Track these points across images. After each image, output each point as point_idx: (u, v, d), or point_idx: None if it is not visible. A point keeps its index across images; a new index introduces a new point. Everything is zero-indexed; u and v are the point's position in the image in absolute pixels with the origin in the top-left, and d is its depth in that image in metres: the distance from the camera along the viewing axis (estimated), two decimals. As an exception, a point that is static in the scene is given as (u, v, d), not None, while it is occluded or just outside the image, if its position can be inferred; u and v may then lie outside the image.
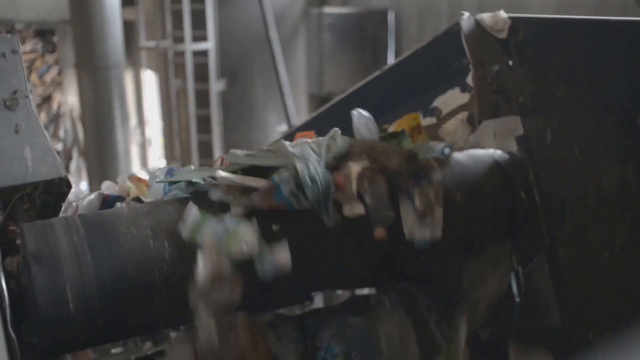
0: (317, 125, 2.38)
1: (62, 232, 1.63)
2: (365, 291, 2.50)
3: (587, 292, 1.88)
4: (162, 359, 2.13)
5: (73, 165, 15.14)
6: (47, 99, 16.12)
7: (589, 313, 1.89)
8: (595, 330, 1.83)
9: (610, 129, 1.76)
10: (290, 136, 2.36)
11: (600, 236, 1.81)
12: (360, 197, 1.80)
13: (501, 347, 2.12)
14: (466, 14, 2.16)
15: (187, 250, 1.68)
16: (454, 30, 2.21)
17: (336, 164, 1.83)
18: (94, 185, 10.27)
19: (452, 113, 2.44)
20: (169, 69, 10.53)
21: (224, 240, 1.67)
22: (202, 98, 10.41)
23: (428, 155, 1.91)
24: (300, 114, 9.92)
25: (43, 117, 15.71)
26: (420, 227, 1.82)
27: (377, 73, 2.70)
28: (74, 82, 11.93)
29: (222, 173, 1.76)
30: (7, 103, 1.74)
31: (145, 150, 14.30)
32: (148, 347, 2.43)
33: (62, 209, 1.88)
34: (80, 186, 13.58)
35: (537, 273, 2.01)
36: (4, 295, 1.50)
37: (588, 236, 1.85)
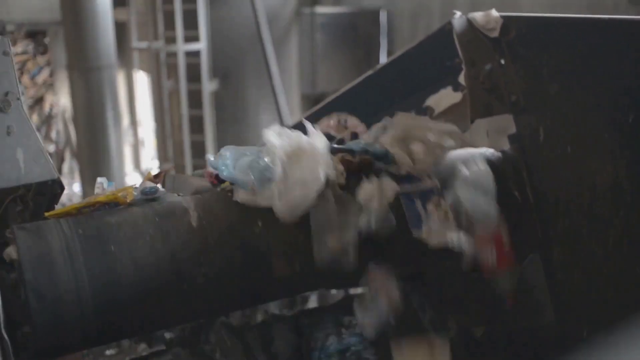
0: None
1: (54, 235, 1.62)
2: (359, 290, 2.50)
3: (580, 290, 1.88)
4: None
5: (66, 167, 15.09)
6: (39, 101, 16.06)
7: (583, 311, 1.89)
8: (589, 328, 1.83)
9: (603, 127, 1.77)
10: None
11: (593, 234, 1.82)
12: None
13: (495, 346, 2.13)
14: (458, 13, 2.16)
15: (184, 251, 1.69)
16: (446, 29, 2.21)
17: None
18: (86, 186, 10.25)
19: (445, 112, 2.44)
20: (161, 70, 10.51)
21: None
22: (195, 98, 10.40)
23: None
24: (293, 114, 9.92)
25: (35, 118, 15.66)
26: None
27: (369, 72, 2.70)
28: (65, 83, 11.89)
29: None
30: (-1, 105, 1.74)
31: (138, 151, 14.27)
32: (142, 349, 2.43)
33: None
34: (73, 188, 13.56)
35: (530, 271, 2.02)
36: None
37: (581, 234, 1.86)
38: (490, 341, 2.14)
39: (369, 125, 2.38)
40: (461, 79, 2.23)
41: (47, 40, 15.20)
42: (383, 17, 10.95)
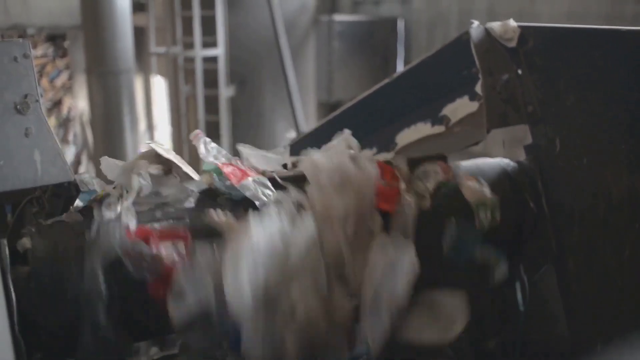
0: (326, 133, 2.38)
1: (70, 234, 1.63)
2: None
3: (595, 302, 1.87)
4: None
5: (82, 170, 15.20)
6: (57, 104, 16.20)
7: (597, 323, 1.88)
8: (603, 340, 1.82)
9: (620, 139, 1.76)
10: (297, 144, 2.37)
11: (608, 246, 1.81)
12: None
13: (508, 357, 2.12)
14: (476, 23, 2.16)
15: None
16: (464, 38, 2.20)
17: None
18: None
19: (461, 121, 2.43)
20: (179, 75, 10.58)
21: None
22: (212, 104, 10.45)
23: None
24: (309, 121, 9.94)
25: (53, 121, 15.78)
26: None
27: (386, 81, 2.70)
28: (84, 86, 11.98)
29: None
30: (18, 107, 1.75)
31: (154, 156, 14.31)
32: (154, 352, 2.43)
33: None
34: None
35: (545, 282, 2.01)
36: (12, 301, 1.51)
37: (596, 246, 1.84)
38: (503, 353, 2.13)
39: (387, 133, 2.38)
40: (478, 88, 2.23)
41: (66, 43, 15.33)
42: (400, 25, 10.96)
